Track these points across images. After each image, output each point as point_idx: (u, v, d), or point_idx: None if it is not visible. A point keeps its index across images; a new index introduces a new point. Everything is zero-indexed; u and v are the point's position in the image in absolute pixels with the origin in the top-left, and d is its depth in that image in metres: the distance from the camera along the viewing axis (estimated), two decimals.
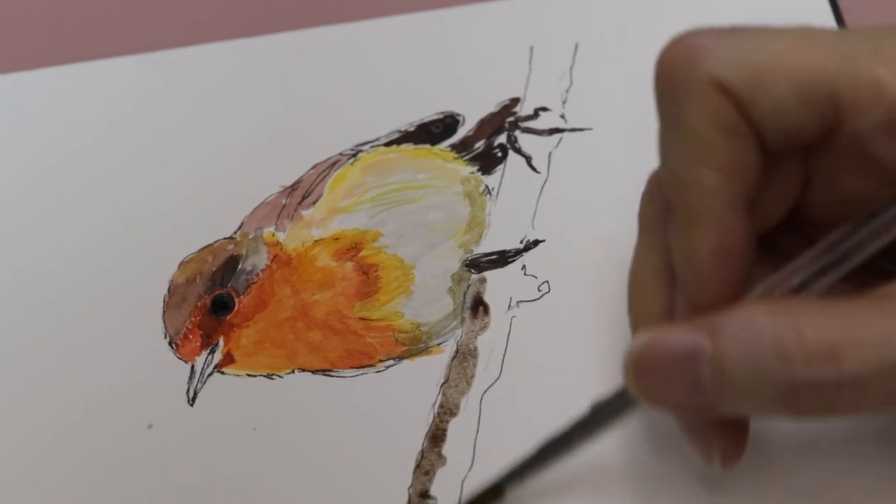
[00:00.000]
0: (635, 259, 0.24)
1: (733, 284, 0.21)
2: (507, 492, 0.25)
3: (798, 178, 0.22)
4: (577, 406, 0.26)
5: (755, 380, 0.19)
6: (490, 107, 0.34)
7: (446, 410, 0.27)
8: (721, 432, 0.22)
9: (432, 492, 0.26)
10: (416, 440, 0.27)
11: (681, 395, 0.20)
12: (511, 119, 0.33)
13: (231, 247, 0.31)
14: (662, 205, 0.22)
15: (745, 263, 0.21)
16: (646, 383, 0.20)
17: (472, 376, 0.28)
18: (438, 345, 0.28)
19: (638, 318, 0.23)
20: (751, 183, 0.20)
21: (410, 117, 0.34)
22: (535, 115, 0.33)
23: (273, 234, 0.32)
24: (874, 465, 0.24)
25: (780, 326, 0.18)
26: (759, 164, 0.20)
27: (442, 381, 0.28)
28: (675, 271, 0.22)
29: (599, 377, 0.27)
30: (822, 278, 0.20)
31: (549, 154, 0.32)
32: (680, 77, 0.20)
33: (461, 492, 0.26)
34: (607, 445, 0.25)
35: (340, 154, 0.33)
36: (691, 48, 0.20)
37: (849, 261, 0.20)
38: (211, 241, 0.32)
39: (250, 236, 0.32)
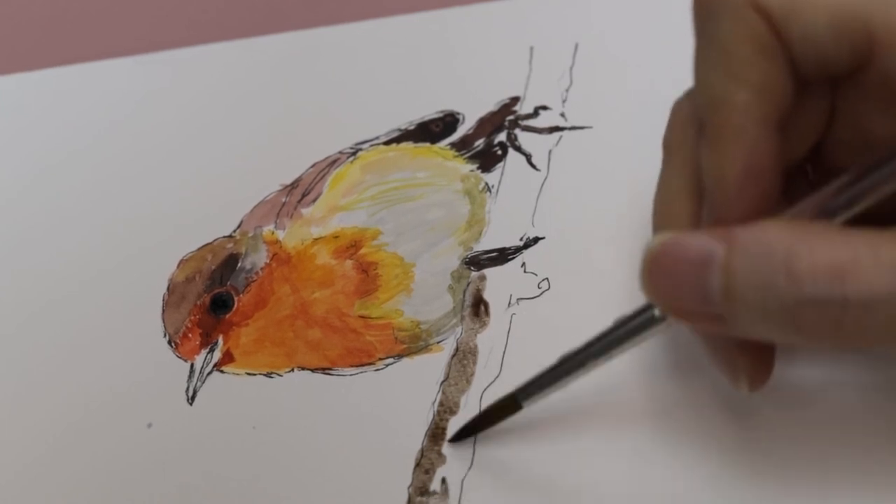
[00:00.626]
0: (660, 182, 0.24)
1: (759, 204, 0.21)
2: (525, 405, 0.25)
3: (825, 112, 0.22)
4: (576, 403, 0.26)
5: (762, 293, 0.19)
6: (490, 106, 0.34)
7: (446, 408, 0.27)
8: (747, 354, 0.22)
9: (433, 488, 0.26)
10: (416, 438, 0.26)
11: (690, 302, 0.20)
12: (511, 117, 0.33)
13: (230, 245, 0.31)
14: (690, 127, 0.23)
15: (772, 184, 0.21)
16: (658, 284, 0.21)
17: (472, 374, 0.27)
18: (438, 343, 0.28)
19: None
20: (781, 105, 0.21)
21: (410, 116, 0.34)
22: (535, 113, 0.33)
23: (272, 233, 0.31)
24: None
25: (794, 242, 0.19)
26: (791, 88, 0.21)
27: (442, 379, 0.27)
28: (702, 190, 0.22)
29: (599, 375, 0.27)
30: (845, 211, 0.20)
31: (549, 152, 0.32)
32: None
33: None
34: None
35: (340, 152, 0.33)
36: None
37: (872, 193, 0.20)
38: (210, 240, 0.32)
39: (250, 235, 0.32)
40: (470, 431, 0.26)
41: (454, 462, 0.26)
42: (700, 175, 0.22)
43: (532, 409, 0.25)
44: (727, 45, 0.20)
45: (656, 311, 0.22)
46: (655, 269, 0.21)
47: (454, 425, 0.26)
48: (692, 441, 0.25)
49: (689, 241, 0.20)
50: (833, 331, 0.19)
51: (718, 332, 0.21)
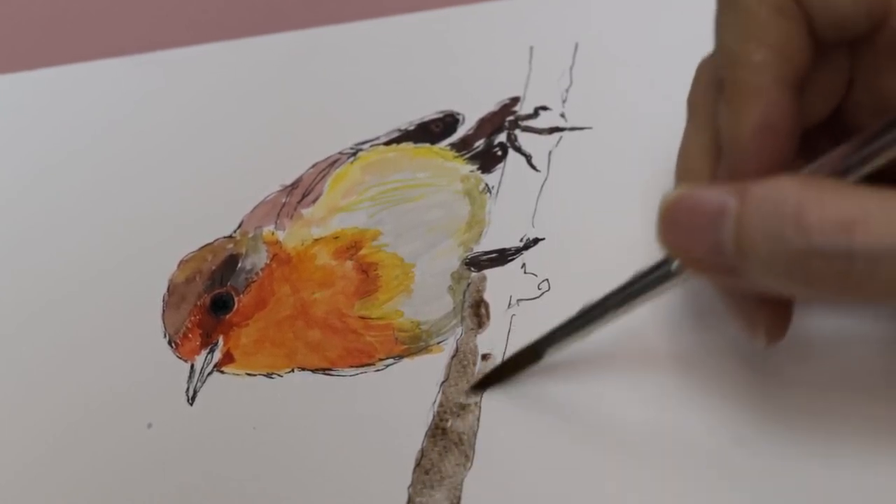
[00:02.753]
0: (683, 139, 0.25)
1: (773, 162, 0.21)
2: (545, 355, 0.26)
3: (843, 76, 0.23)
4: (576, 404, 0.26)
5: (771, 243, 0.19)
6: (490, 106, 0.34)
7: (446, 409, 0.27)
8: (764, 308, 0.23)
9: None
10: (416, 439, 0.26)
11: (703, 252, 0.21)
12: (511, 118, 0.33)
13: (231, 246, 0.31)
14: (712, 87, 0.23)
15: (787, 143, 0.22)
16: (672, 235, 0.21)
17: (472, 375, 0.27)
18: (438, 343, 0.28)
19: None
20: (798, 66, 0.21)
21: (410, 117, 0.34)
22: (535, 114, 0.33)
23: (273, 233, 0.31)
24: None
25: (804, 195, 0.19)
26: (808, 49, 0.21)
27: (442, 379, 0.27)
28: (721, 148, 0.23)
29: (599, 374, 0.27)
30: (858, 169, 0.20)
31: (549, 153, 0.32)
32: None
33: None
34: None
35: (340, 153, 0.33)
36: None
37: (885, 152, 0.20)
38: (210, 240, 0.32)
39: (250, 235, 0.32)
40: (492, 380, 0.27)
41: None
42: (718, 134, 0.23)
43: (551, 360, 0.26)
44: (747, 5, 0.21)
45: (674, 266, 0.22)
46: (670, 220, 0.21)
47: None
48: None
49: (703, 194, 0.21)
50: (839, 283, 0.19)
51: (730, 285, 0.22)
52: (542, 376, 0.27)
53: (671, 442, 0.25)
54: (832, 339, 0.26)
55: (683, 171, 0.24)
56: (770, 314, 0.23)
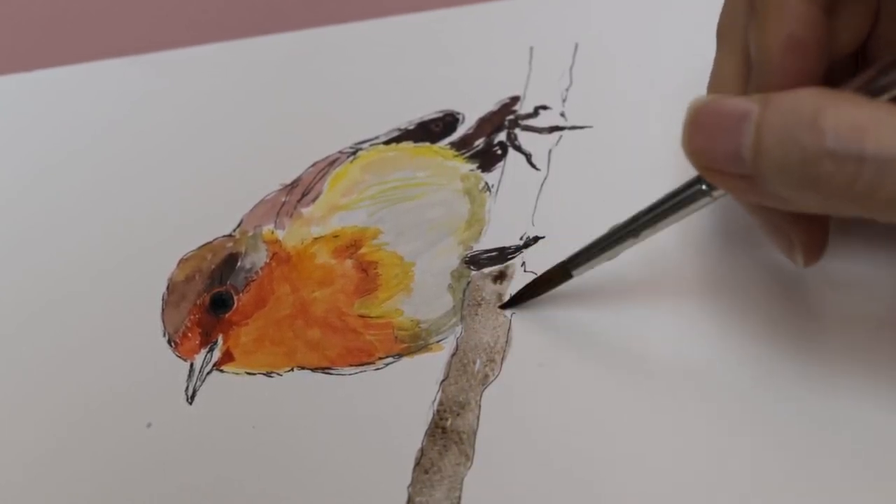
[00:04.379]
0: (714, 67, 0.26)
1: (801, 80, 0.22)
2: (574, 273, 0.27)
3: (870, 8, 0.24)
4: (576, 403, 0.26)
5: (786, 144, 0.20)
6: (490, 106, 0.34)
7: (446, 408, 0.27)
8: (799, 227, 0.24)
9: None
10: (416, 438, 0.26)
11: (724, 157, 0.21)
12: (511, 117, 0.33)
13: (230, 245, 0.31)
14: (741, 13, 0.24)
15: (815, 63, 0.23)
16: (696, 137, 0.22)
17: (472, 373, 0.27)
18: (438, 342, 0.28)
19: None
20: None
21: (410, 116, 0.34)
22: (535, 113, 0.33)
23: (272, 232, 0.31)
24: None
25: (822, 101, 0.20)
26: None
27: (442, 378, 0.27)
28: (750, 71, 0.24)
29: (600, 374, 0.27)
30: (880, 94, 0.21)
31: (549, 151, 0.32)
32: None
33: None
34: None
35: (340, 152, 0.33)
36: None
37: None
38: (210, 239, 0.32)
39: (249, 234, 0.32)
40: (521, 298, 0.28)
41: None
42: (749, 59, 0.24)
43: (581, 279, 0.27)
44: None
45: (703, 185, 0.23)
46: (695, 124, 0.22)
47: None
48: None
49: (729, 100, 0.22)
50: (847, 189, 0.20)
51: (749, 198, 0.23)
52: (542, 375, 0.27)
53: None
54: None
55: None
56: (805, 233, 0.24)
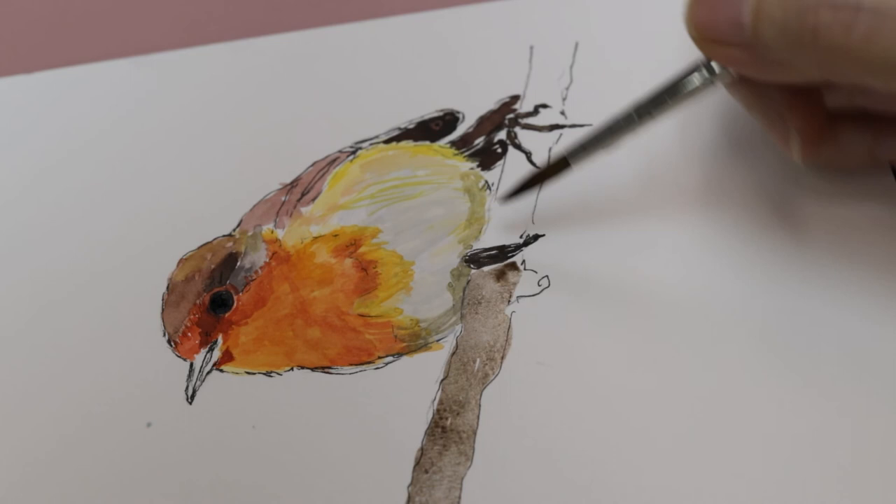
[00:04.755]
0: None
1: None
2: (574, 164, 0.28)
3: None
4: (576, 402, 0.26)
5: (784, 1, 0.21)
6: (490, 105, 0.34)
7: (446, 407, 0.27)
8: (798, 113, 0.25)
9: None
10: (416, 437, 0.26)
11: (724, 28, 0.22)
12: (511, 116, 0.33)
13: (230, 244, 0.31)
14: None
15: None
16: (698, 11, 0.23)
17: (472, 372, 0.27)
18: (438, 341, 0.28)
19: None
20: None
21: (410, 115, 0.34)
22: (535, 111, 0.33)
23: (272, 232, 0.31)
24: None
25: None
26: None
27: (441, 377, 0.27)
28: None
29: (600, 372, 0.27)
30: None
31: (549, 150, 0.32)
32: None
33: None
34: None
35: (340, 151, 0.33)
36: None
37: None
38: (210, 239, 0.32)
39: (249, 233, 0.32)
40: (522, 189, 0.29)
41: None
42: None
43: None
44: None
45: (697, 75, 0.24)
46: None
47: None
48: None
49: None
50: (843, 37, 0.20)
51: (748, 69, 0.23)
52: (542, 374, 0.27)
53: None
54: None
55: None
56: (801, 120, 0.25)
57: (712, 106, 0.31)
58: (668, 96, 0.25)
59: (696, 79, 0.25)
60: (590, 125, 0.32)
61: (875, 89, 0.22)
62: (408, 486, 0.26)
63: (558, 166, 0.28)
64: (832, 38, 0.21)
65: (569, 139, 0.28)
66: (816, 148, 0.26)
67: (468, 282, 0.29)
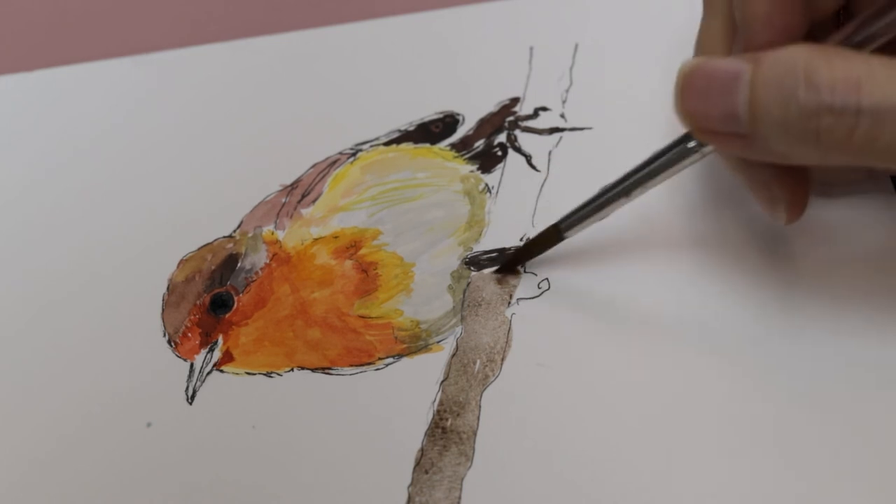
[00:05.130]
0: (700, 29, 0.26)
1: (786, 38, 0.23)
2: (566, 235, 0.28)
3: None
4: (576, 403, 0.26)
5: (783, 103, 0.20)
6: (490, 107, 0.34)
7: (446, 408, 0.27)
8: (783, 184, 0.25)
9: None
10: (416, 438, 0.26)
11: (718, 118, 0.22)
12: (511, 118, 0.33)
13: (230, 245, 0.31)
14: None
15: (800, 16, 0.23)
16: (689, 103, 0.22)
17: (472, 374, 0.27)
18: (438, 342, 0.28)
19: None
20: None
21: (410, 117, 0.34)
22: (535, 114, 0.33)
23: (272, 233, 0.31)
24: None
25: (814, 56, 0.20)
26: None
27: (442, 378, 0.27)
28: (735, 32, 0.25)
29: (599, 374, 0.27)
30: (865, 46, 0.22)
31: (549, 153, 0.32)
32: None
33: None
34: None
35: (340, 153, 0.33)
36: None
37: (886, 31, 0.21)
38: (210, 240, 0.32)
39: (249, 235, 0.32)
40: (515, 261, 0.29)
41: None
42: (733, 21, 0.24)
43: (572, 241, 0.28)
44: None
45: (690, 143, 0.24)
46: (687, 87, 0.22)
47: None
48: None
49: (719, 62, 0.22)
50: (846, 139, 0.20)
51: (744, 155, 0.23)
52: (542, 375, 0.27)
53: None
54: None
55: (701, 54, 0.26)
56: (788, 190, 0.25)
57: None
58: (660, 167, 0.25)
59: (685, 151, 0.24)
60: (590, 128, 0.32)
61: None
62: (408, 487, 0.26)
63: (552, 237, 0.28)
64: (834, 140, 0.20)
65: (561, 211, 0.28)
66: (801, 210, 0.25)
67: (468, 284, 0.29)
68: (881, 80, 0.20)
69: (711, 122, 0.22)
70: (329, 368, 0.28)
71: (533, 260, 0.29)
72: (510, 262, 0.29)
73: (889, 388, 0.25)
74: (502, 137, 0.33)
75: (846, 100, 0.20)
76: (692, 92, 0.22)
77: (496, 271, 0.29)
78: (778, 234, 0.29)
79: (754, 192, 0.26)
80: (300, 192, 0.32)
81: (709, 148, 0.24)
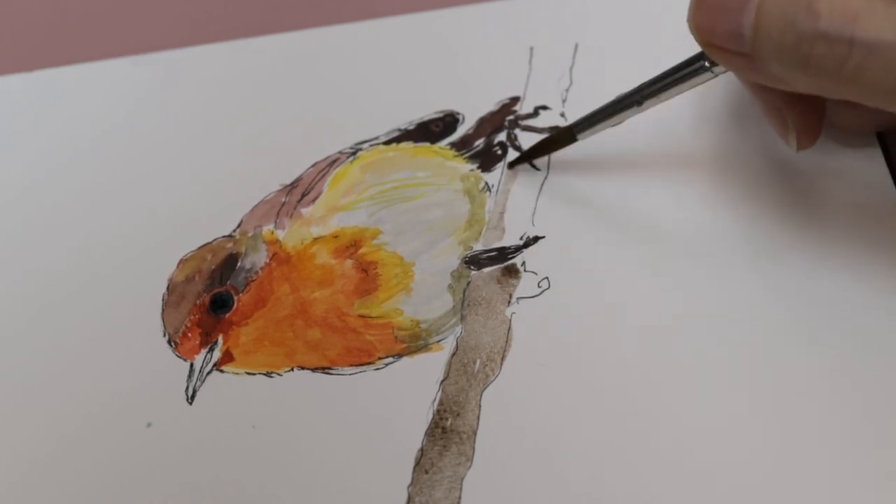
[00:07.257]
0: None
1: None
2: (580, 137, 0.29)
3: None
4: (576, 403, 0.26)
5: (782, 26, 0.21)
6: (490, 106, 0.34)
7: (446, 407, 0.27)
8: (795, 112, 0.26)
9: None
10: (416, 438, 0.26)
11: (725, 34, 0.23)
12: (511, 117, 0.33)
13: (230, 245, 0.31)
14: None
15: None
16: (701, 14, 0.23)
17: (473, 373, 0.27)
18: (438, 342, 0.28)
19: None
20: None
21: (410, 116, 0.34)
22: (535, 113, 0.33)
23: (272, 232, 0.31)
24: None
25: None
26: None
27: (442, 378, 0.27)
28: None
29: (599, 374, 0.27)
30: None
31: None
32: None
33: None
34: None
35: (340, 152, 0.33)
36: None
37: None
38: (210, 240, 0.32)
39: (249, 234, 0.32)
40: (528, 157, 0.31)
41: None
42: None
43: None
44: None
45: (705, 62, 0.25)
46: (701, 2, 0.23)
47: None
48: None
49: None
50: (836, 69, 0.21)
51: (746, 75, 0.24)
52: (542, 375, 0.27)
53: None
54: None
55: None
56: (800, 115, 0.26)
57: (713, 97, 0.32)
58: (673, 81, 0.26)
59: (700, 67, 0.26)
60: None
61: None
62: (408, 487, 0.26)
63: (564, 136, 0.29)
64: (826, 68, 0.21)
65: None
66: (813, 139, 0.26)
67: (468, 283, 0.29)
68: (879, 15, 0.20)
69: (718, 38, 0.23)
70: (329, 368, 0.28)
71: (533, 260, 0.29)
72: (523, 157, 0.31)
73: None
74: (502, 136, 0.33)
75: (841, 29, 0.20)
76: (704, 7, 0.23)
77: (509, 164, 0.31)
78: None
79: (766, 113, 0.27)
80: (300, 192, 0.32)
81: (720, 68, 0.25)
